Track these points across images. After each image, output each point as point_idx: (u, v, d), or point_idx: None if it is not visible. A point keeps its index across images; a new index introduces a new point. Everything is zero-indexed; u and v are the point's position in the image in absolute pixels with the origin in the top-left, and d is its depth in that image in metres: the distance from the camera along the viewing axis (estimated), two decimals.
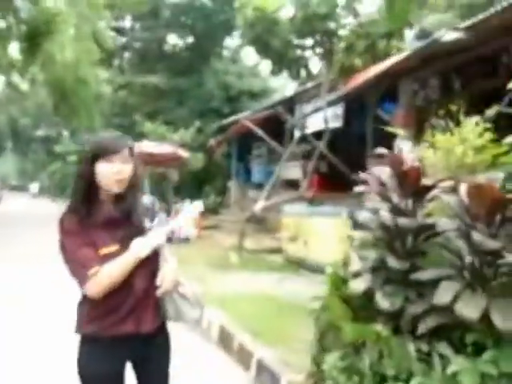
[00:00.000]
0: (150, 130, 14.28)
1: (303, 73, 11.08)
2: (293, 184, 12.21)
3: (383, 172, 2.82)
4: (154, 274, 1.81)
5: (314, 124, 10.46)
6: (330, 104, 9.47)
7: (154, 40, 21.84)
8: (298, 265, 7.31)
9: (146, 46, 22.31)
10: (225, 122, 16.47)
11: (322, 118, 10.04)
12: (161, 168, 13.21)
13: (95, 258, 1.71)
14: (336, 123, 10.13)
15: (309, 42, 9.06)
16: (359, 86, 8.33)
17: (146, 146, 10.78)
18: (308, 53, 7.55)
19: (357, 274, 2.75)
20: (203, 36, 21.27)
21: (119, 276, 1.71)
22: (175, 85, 19.76)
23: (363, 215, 2.93)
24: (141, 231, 1.80)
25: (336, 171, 10.19)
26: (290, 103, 11.88)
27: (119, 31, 22.58)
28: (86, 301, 1.78)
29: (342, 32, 7.03)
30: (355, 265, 2.93)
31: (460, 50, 5.97)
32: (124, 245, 1.75)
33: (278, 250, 8.84)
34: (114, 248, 1.75)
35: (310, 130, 10.08)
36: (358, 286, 2.63)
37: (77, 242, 1.72)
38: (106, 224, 1.76)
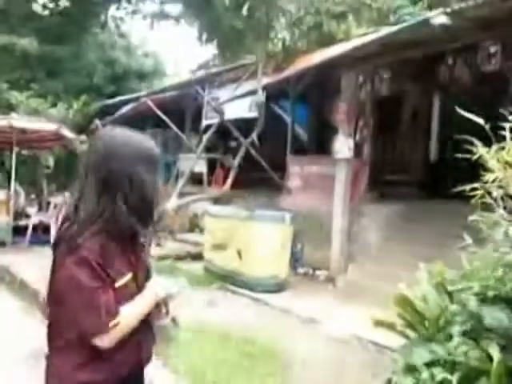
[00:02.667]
0: (18, 101, 11.52)
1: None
2: (194, 179, 10.83)
3: None
4: None
5: (230, 112, 9.22)
6: (252, 91, 8.35)
7: None
8: (226, 279, 6.02)
9: (8, 1, 18.50)
10: (109, 102, 14.40)
11: (243, 105, 8.89)
12: (33, 149, 10.69)
13: (114, 303, 1.36)
14: (253, 113, 9.05)
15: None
16: (293, 74, 7.37)
17: (18, 121, 8.39)
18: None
19: None
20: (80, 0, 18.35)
21: (136, 322, 1.44)
22: (48, 52, 16.68)
23: None
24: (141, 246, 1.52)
25: (245, 167, 9.05)
26: (198, 86, 10.43)
27: None
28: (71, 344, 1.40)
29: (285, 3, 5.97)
30: None
31: (441, 39, 5.30)
32: (135, 270, 1.45)
33: (193, 257, 7.41)
34: (128, 277, 1.42)
35: (226, 118, 8.79)
36: None
37: (99, 283, 1.33)
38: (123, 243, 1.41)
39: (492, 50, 5.41)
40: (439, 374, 1.74)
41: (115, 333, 1.36)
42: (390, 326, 2.41)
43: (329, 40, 6.79)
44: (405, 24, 4.87)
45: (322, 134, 11.32)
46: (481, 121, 2.24)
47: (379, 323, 2.47)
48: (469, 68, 7.14)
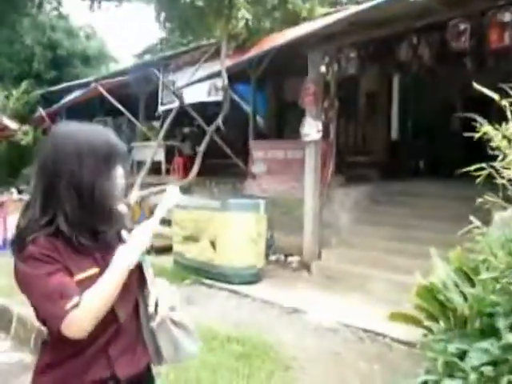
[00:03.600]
0: None
1: None
2: (151, 168, 10.34)
3: None
4: (131, 296, 1.40)
5: (189, 96, 8.79)
6: (213, 74, 7.97)
7: None
8: (200, 272, 5.73)
9: None
10: (52, 89, 13.46)
11: (202, 89, 8.50)
12: None
13: (74, 286, 1.25)
14: (216, 97, 8.69)
15: None
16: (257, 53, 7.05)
17: None
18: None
19: None
20: None
21: (107, 302, 1.27)
22: None
23: None
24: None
25: (205, 153, 8.69)
26: (152, 68, 9.86)
27: None
28: (47, 343, 1.36)
29: None
30: None
31: (410, 16, 5.18)
32: (102, 266, 1.31)
33: (158, 251, 7.03)
34: (92, 271, 1.30)
35: (187, 102, 8.37)
36: None
37: (47, 269, 1.24)
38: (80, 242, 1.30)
39: (461, 27, 5.39)
40: (497, 375, 1.57)
41: (78, 315, 1.22)
42: (409, 319, 2.25)
43: (293, 19, 6.54)
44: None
45: (281, 117, 11.15)
46: None
47: (395, 316, 2.30)
48: (430, 47, 7.13)
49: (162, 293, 1.45)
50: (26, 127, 10.51)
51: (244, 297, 5.05)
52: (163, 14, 6.17)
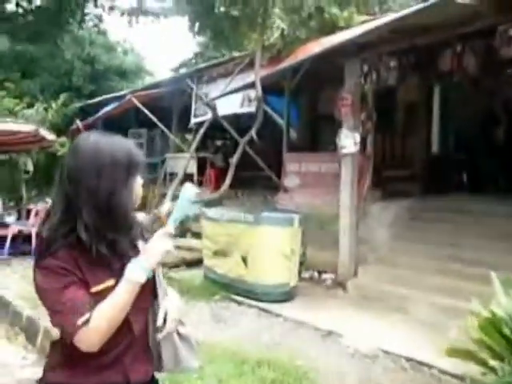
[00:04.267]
0: None
1: None
2: (184, 180, 10.28)
3: None
4: (146, 308, 1.43)
5: (221, 108, 8.69)
6: (247, 85, 7.84)
7: None
8: (230, 288, 5.51)
9: None
10: (89, 102, 13.72)
11: (234, 101, 8.39)
12: (9, 152, 9.98)
13: (86, 301, 1.26)
14: (249, 108, 8.56)
15: None
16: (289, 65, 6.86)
17: None
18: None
19: None
20: None
21: (119, 316, 1.29)
22: (22, 51, 15.88)
23: None
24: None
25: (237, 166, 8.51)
26: (186, 81, 9.85)
27: None
28: (57, 342, 1.37)
29: None
30: None
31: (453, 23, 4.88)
32: (120, 277, 1.32)
33: (188, 264, 6.88)
34: (109, 283, 1.31)
35: (220, 114, 8.26)
36: None
37: (62, 282, 1.26)
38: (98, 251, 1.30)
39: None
40: None
41: (88, 333, 1.24)
42: (469, 356, 1.94)
43: (330, 28, 6.33)
44: (428, 3, 4.42)
45: (315, 131, 10.90)
46: None
47: (454, 352, 2.00)
48: (475, 56, 6.77)
49: (171, 306, 1.46)
50: (63, 139, 10.67)
51: (275, 316, 4.79)
52: (197, 25, 6.09)
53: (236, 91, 7.93)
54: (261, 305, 5.09)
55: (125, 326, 1.32)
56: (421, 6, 4.65)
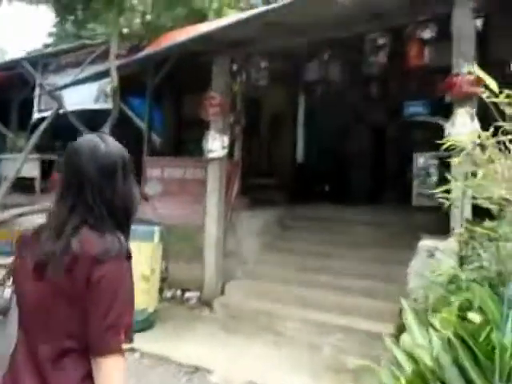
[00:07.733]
0: None
1: None
2: (23, 185, 8.70)
3: None
4: None
5: (72, 102, 7.48)
6: (101, 74, 6.79)
7: None
8: None
9: None
10: None
11: (88, 95, 7.29)
12: None
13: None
14: (105, 104, 7.50)
15: None
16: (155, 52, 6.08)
17: None
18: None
19: None
20: None
21: None
22: None
23: None
24: None
25: None
26: (28, 67, 8.32)
27: None
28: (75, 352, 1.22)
29: None
30: None
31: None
32: None
33: None
34: None
35: (70, 109, 7.05)
36: None
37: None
38: None
39: (380, 41, 5.02)
40: None
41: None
42: None
43: (199, 20, 5.72)
44: None
45: (181, 134, 10.17)
46: None
47: None
48: (341, 65, 6.80)
49: None
50: None
51: (130, 352, 3.93)
52: None
53: (87, 80, 6.80)
54: None
55: None
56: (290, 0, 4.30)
